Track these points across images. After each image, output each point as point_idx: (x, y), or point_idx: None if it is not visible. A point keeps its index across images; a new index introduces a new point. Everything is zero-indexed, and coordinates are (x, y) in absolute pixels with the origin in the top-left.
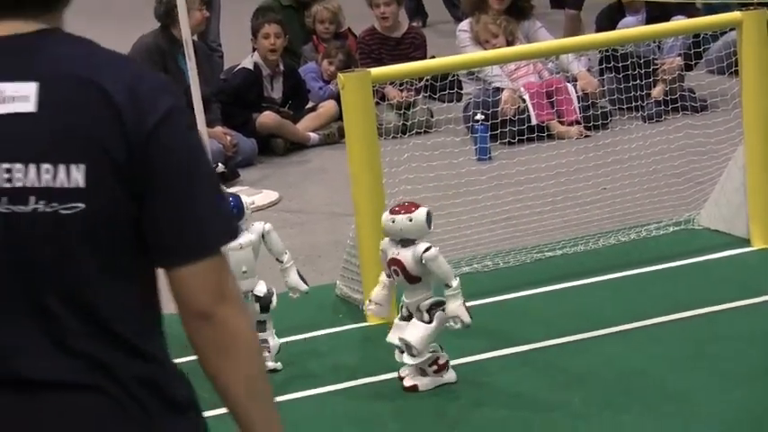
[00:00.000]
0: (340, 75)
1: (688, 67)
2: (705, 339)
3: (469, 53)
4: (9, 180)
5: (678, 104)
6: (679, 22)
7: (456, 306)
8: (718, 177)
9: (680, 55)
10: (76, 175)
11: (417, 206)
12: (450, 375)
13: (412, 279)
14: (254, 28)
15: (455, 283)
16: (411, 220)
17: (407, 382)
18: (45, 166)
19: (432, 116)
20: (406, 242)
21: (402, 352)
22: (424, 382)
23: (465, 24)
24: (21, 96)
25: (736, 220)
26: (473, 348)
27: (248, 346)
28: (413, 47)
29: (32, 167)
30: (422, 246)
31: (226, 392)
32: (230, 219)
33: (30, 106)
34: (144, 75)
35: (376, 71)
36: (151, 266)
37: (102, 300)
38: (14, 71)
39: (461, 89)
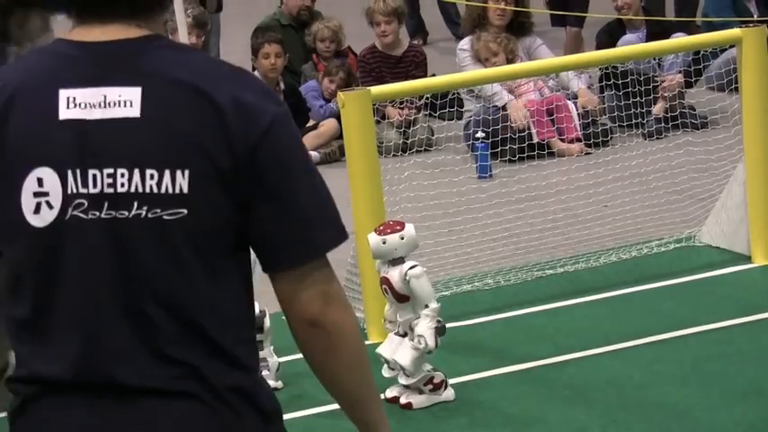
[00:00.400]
0: (340, 93)
1: (688, 84)
2: (707, 356)
3: (470, 71)
4: (112, 185)
5: (678, 121)
6: (679, 40)
7: (425, 327)
8: (718, 194)
9: (680, 72)
10: (181, 181)
11: (402, 223)
12: (447, 394)
13: (401, 298)
14: (254, 47)
15: (433, 305)
16: (403, 238)
17: (403, 400)
18: (149, 171)
19: (432, 134)
20: (395, 260)
21: (392, 368)
22: (419, 400)
23: (465, 42)
24: (125, 101)
25: (736, 236)
26: (474, 366)
27: (355, 341)
28: (413, 65)
29: (137, 173)
30: (408, 263)
31: (333, 383)
32: (337, 219)
33: (134, 111)
34: (247, 82)
35: (376, 89)
36: (248, 276)
37: (200, 307)
38: (118, 76)
39: (462, 107)
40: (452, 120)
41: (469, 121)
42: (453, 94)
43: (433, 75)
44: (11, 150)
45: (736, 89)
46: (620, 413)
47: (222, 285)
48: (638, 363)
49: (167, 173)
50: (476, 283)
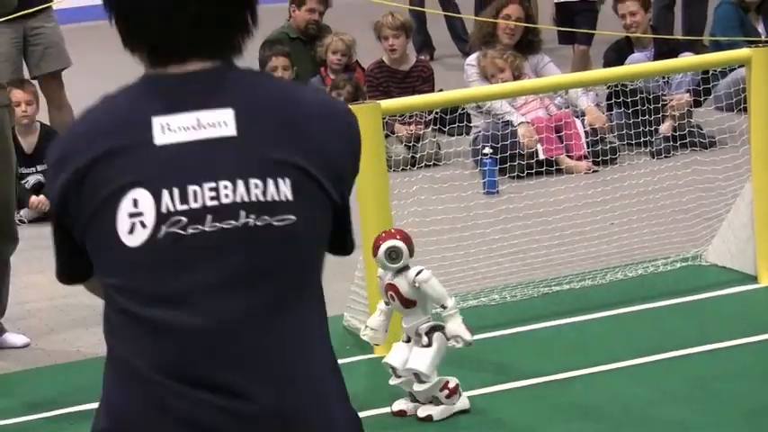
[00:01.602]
0: (350, 107)
1: (696, 104)
2: (713, 375)
3: (480, 86)
4: (215, 198)
5: (686, 140)
6: (688, 59)
7: (455, 325)
8: (725, 214)
9: (688, 91)
10: (285, 189)
11: (394, 234)
12: (463, 402)
13: (408, 303)
14: (262, 60)
15: (450, 302)
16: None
17: (421, 413)
18: (253, 181)
19: (440, 149)
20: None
21: (398, 377)
22: (438, 411)
23: (472, 59)
24: (219, 122)
25: (743, 256)
26: (480, 381)
27: None
28: (421, 80)
29: (240, 183)
30: (414, 269)
31: None
32: None
33: (230, 130)
34: (329, 100)
35: (386, 103)
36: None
37: (300, 310)
38: (208, 101)
39: (470, 122)
40: (461, 135)
41: (477, 137)
42: (462, 109)
43: (440, 90)
44: (106, 186)
45: (744, 109)
46: (624, 429)
47: (316, 290)
48: (644, 380)
49: (270, 182)
50: (482, 299)
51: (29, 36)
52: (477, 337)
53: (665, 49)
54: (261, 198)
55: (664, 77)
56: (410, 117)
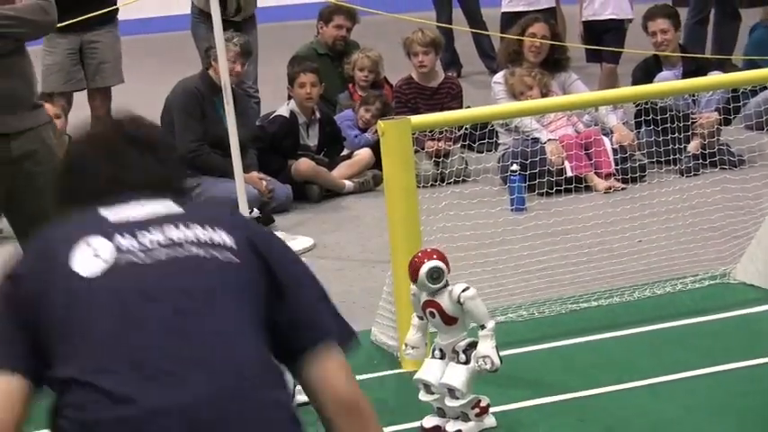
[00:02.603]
0: (380, 122)
1: (726, 122)
2: (740, 393)
3: (511, 103)
4: (168, 238)
5: (715, 159)
6: (718, 77)
7: (488, 347)
8: (754, 232)
9: (717, 110)
10: (226, 238)
11: (434, 250)
12: (490, 420)
13: (449, 320)
14: (291, 76)
15: (491, 324)
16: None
17: (450, 429)
18: (200, 228)
19: (467, 166)
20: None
21: (431, 393)
22: (467, 427)
23: (499, 76)
24: (167, 205)
25: None
26: (508, 397)
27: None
28: (449, 96)
29: (189, 229)
30: (459, 286)
31: None
32: None
33: (178, 210)
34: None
35: (416, 119)
36: None
37: None
38: (158, 196)
39: (498, 139)
40: (489, 151)
41: (505, 154)
42: (491, 126)
43: (468, 107)
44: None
45: None
46: None
47: None
48: (672, 398)
49: (218, 229)
50: (510, 315)
51: (85, 49)
52: (505, 352)
53: (694, 68)
54: (208, 240)
55: (692, 95)
56: (440, 133)
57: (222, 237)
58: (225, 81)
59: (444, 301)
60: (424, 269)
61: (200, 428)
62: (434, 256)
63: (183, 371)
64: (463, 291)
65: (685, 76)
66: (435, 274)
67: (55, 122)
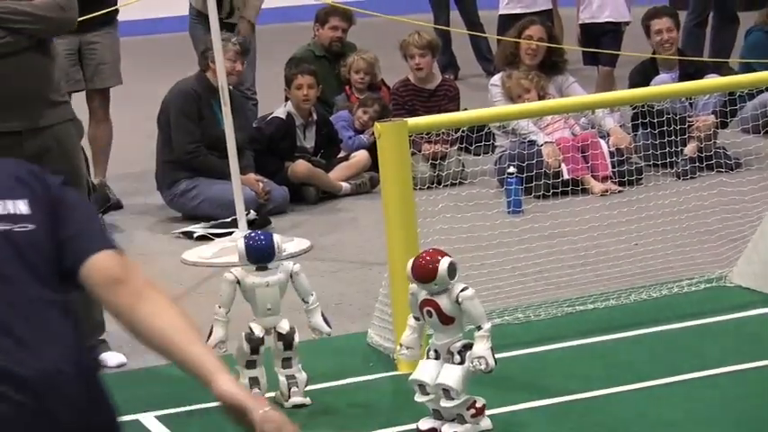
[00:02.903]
0: (377, 124)
1: (722, 125)
2: (737, 396)
3: (508, 105)
4: None
5: (712, 162)
6: (715, 80)
7: (483, 347)
8: (750, 235)
9: (714, 113)
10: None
11: (438, 250)
12: (486, 422)
13: (446, 320)
14: (288, 78)
15: (487, 325)
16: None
17: (446, 430)
18: None
19: (464, 168)
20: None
21: (426, 393)
22: (463, 429)
23: (496, 79)
24: None
25: None
26: (504, 400)
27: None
28: (446, 98)
29: None
30: (458, 286)
31: (151, 330)
32: None
33: None
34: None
35: (413, 121)
36: None
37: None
38: None
39: (495, 142)
40: (487, 153)
41: (501, 156)
42: (487, 128)
43: (465, 109)
44: None
45: None
46: None
47: None
48: (669, 401)
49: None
50: (506, 317)
51: (83, 49)
52: (501, 355)
53: (691, 71)
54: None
55: (689, 99)
56: (436, 135)
57: (18, 206)
58: (222, 82)
59: (443, 300)
60: (443, 265)
61: None
62: (443, 254)
63: None
64: (462, 290)
65: (682, 79)
66: (453, 270)
67: (79, 120)
